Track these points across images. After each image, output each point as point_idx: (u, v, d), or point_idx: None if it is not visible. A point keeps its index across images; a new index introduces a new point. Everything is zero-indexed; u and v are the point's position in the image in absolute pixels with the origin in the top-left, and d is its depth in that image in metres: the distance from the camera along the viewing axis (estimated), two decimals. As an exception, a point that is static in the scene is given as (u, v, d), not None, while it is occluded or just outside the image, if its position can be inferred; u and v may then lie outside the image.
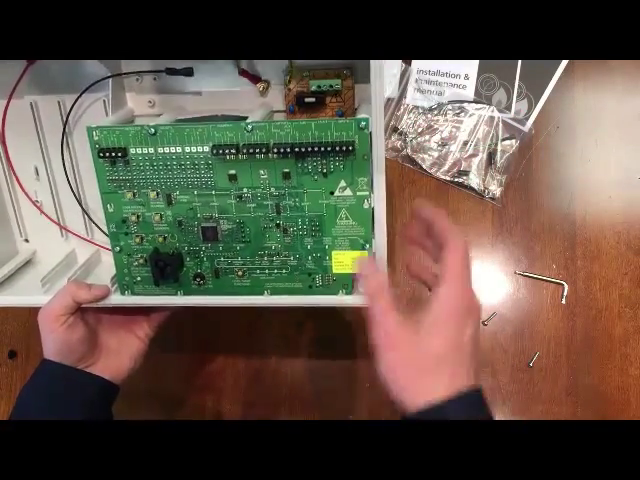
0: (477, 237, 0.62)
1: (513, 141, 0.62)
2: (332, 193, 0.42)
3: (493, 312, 0.61)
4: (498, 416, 0.60)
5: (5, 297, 0.48)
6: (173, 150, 0.42)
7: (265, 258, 0.44)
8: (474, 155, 0.62)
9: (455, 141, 0.62)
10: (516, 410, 0.60)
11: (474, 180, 0.62)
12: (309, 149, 0.40)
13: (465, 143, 0.62)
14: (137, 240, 0.44)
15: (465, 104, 0.62)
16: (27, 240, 0.54)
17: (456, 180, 0.62)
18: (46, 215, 0.53)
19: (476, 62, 0.62)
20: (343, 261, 0.43)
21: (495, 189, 0.62)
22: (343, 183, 0.41)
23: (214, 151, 0.41)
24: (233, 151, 0.40)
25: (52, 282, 0.49)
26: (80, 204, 0.52)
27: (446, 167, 0.62)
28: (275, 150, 0.40)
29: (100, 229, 0.52)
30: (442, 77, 0.63)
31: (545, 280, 0.61)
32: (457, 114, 0.62)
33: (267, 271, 0.44)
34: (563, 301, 0.61)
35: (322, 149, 0.40)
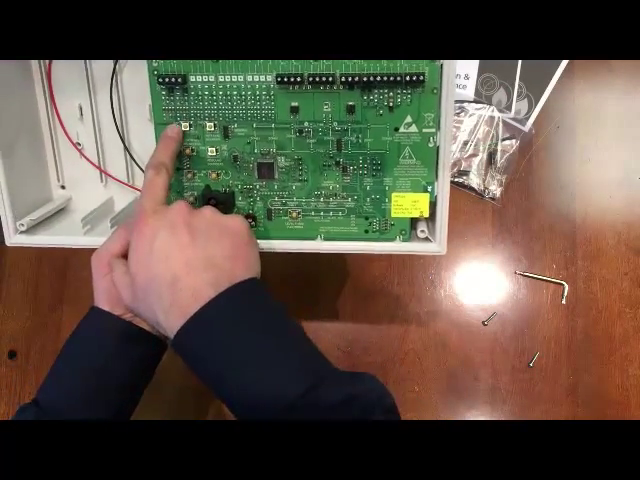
0: (477, 237, 0.62)
1: (513, 141, 0.62)
2: (397, 129, 0.41)
3: (493, 312, 0.61)
4: (498, 416, 0.60)
5: (43, 237, 0.46)
6: (235, 79, 0.40)
7: (321, 199, 0.43)
8: (474, 155, 0.62)
9: (455, 141, 0.62)
10: (516, 410, 0.60)
11: (474, 180, 0.62)
12: (377, 79, 0.39)
13: (465, 143, 0.62)
14: (189, 176, 0.43)
15: (465, 104, 0.62)
16: (63, 187, 0.51)
17: (456, 180, 0.62)
18: (87, 158, 0.49)
19: (476, 62, 0.63)
20: (403, 204, 0.42)
21: (495, 189, 0.62)
22: (409, 119, 0.40)
23: (278, 79, 0.40)
24: (298, 80, 0.39)
25: (93, 224, 0.46)
26: (124, 144, 0.49)
27: (446, 167, 0.62)
28: (341, 80, 0.39)
29: (143, 171, 0.47)
30: (442, 77, 0.63)
31: (545, 280, 0.61)
32: (457, 114, 0.62)
33: (322, 213, 0.43)
34: (563, 301, 0.61)
35: (390, 79, 0.39)
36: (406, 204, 0.42)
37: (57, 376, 0.42)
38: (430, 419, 0.60)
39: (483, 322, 0.61)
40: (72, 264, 0.64)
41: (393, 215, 0.43)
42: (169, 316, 0.34)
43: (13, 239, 0.45)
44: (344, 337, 0.62)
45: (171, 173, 0.40)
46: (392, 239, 0.43)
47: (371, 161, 0.42)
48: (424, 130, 0.40)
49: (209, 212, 0.38)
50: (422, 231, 0.42)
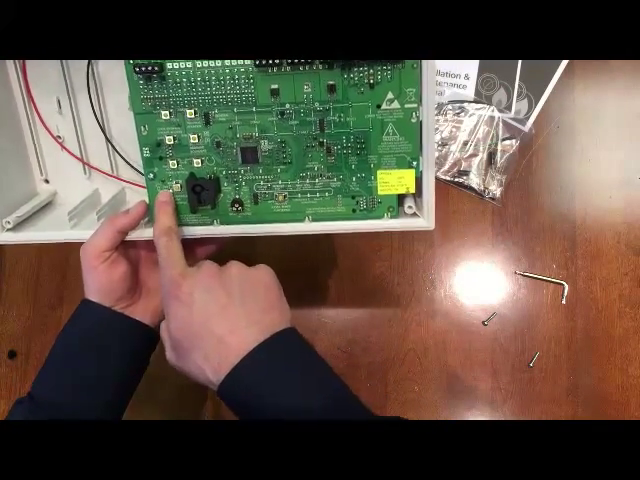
0: (477, 237, 0.62)
1: (513, 141, 0.62)
2: (379, 106, 0.40)
3: (493, 312, 0.61)
4: (498, 416, 0.60)
5: (30, 233, 0.45)
6: (212, 64, 0.40)
7: (307, 181, 0.43)
8: (474, 155, 0.62)
9: (455, 141, 0.62)
10: (516, 410, 0.60)
11: (474, 180, 0.62)
12: None
13: (465, 143, 0.62)
14: (172, 165, 0.43)
15: (465, 104, 0.62)
16: (47, 181, 0.50)
17: (456, 180, 0.62)
18: (68, 151, 0.49)
19: (476, 62, 0.63)
20: (389, 181, 0.42)
21: (495, 189, 0.62)
22: (390, 95, 0.40)
23: (256, 62, 0.39)
24: (276, 62, 0.39)
25: (79, 217, 0.46)
26: (105, 135, 0.48)
27: (446, 167, 0.62)
28: (320, 60, 0.39)
29: (127, 161, 0.49)
30: (442, 77, 0.63)
31: (545, 280, 0.61)
32: (457, 114, 0.62)
33: (309, 195, 0.43)
34: (563, 301, 0.61)
35: None
36: (392, 181, 0.42)
37: (50, 369, 0.42)
38: (430, 419, 0.60)
39: (483, 322, 0.61)
40: (72, 263, 0.64)
41: (380, 193, 0.43)
42: (218, 372, 0.35)
43: (0, 237, 0.45)
44: (344, 337, 0.62)
45: (179, 235, 0.41)
46: (380, 217, 0.43)
47: (355, 140, 0.41)
48: (406, 106, 0.40)
49: (236, 268, 0.39)
50: (409, 207, 0.42)
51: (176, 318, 0.37)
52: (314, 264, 0.62)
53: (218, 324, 0.36)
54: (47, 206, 0.50)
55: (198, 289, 0.37)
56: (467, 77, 0.63)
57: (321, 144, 0.42)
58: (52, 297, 0.64)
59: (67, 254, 0.64)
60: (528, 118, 0.62)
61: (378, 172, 0.42)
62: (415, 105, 0.40)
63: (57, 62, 0.47)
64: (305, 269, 0.62)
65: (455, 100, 0.63)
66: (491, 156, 0.62)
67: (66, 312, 0.63)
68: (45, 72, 0.47)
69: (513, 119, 0.62)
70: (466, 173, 0.62)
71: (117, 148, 0.49)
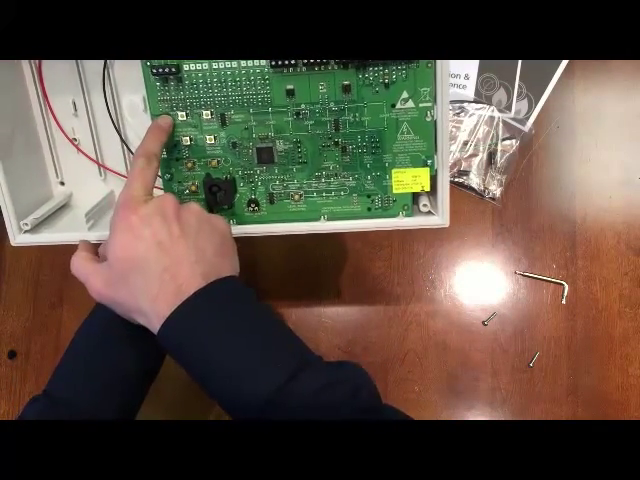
0: (477, 237, 0.62)
1: (513, 141, 0.62)
2: (393, 106, 0.41)
3: (493, 312, 0.61)
4: (498, 416, 0.60)
5: (47, 235, 0.46)
6: (228, 65, 0.40)
7: (322, 180, 0.43)
8: (474, 155, 0.62)
9: (455, 141, 0.62)
10: (516, 410, 0.60)
11: (474, 180, 0.62)
12: None
13: (465, 143, 0.62)
14: (189, 165, 0.43)
15: (465, 104, 0.62)
16: (63, 183, 0.51)
17: (456, 180, 0.62)
18: (84, 153, 0.49)
19: (476, 62, 0.63)
20: (403, 180, 0.42)
21: (495, 189, 0.62)
22: (405, 94, 0.40)
23: (272, 63, 0.40)
24: (292, 62, 0.39)
25: (96, 218, 0.46)
26: (120, 136, 0.49)
27: (446, 167, 0.62)
28: (335, 60, 0.39)
29: None
30: (442, 77, 0.63)
31: (545, 280, 0.61)
32: (457, 114, 0.62)
33: (324, 194, 0.43)
34: (563, 301, 0.61)
35: None
36: (407, 179, 0.42)
37: (67, 369, 0.42)
38: (430, 419, 0.60)
39: (483, 322, 0.61)
40: (72, 264, 0.64)
41: (394, 191, 0.43)
42: (156, 303, 0.34)
43: (18, 239, 0.45)
44: (344, 337, 0.62)
45: (158, 166, 0.40)
46: (395, 215, 0.44)
47: (370, 139, 0.42)
48: (421, 105, 0.41)
49: (197, 208, 0.38)
50: (424, 205, 0.43)
51: (122, 236, 0.36)
52: (314, 264, 0.62)
53: (166, 251, 0.35)
54: (63, 208, 0.50)
55: (155, 214, 0.36)
56: (467, 77, 0.63)
57: (336, 144, 0.42)
58: (52, 297, 0.64)
59: (67, 254, 0.64)
60: (528, 118, 0.62)
61: (393, 171, 0.42)
62: (430, 104, 0.41)
63: (73, 65, 0.47)
64: (305, 269, 0.62)
65: (455, 100, 0.63)
66: (491, 156, 0.62)
67: (66, 312, 0.63)
68: (60, 74, 0.47)
69: (513, 119, 0.62)
70: (466, 173, 0.62)
71: (132, 149, 0.49)
